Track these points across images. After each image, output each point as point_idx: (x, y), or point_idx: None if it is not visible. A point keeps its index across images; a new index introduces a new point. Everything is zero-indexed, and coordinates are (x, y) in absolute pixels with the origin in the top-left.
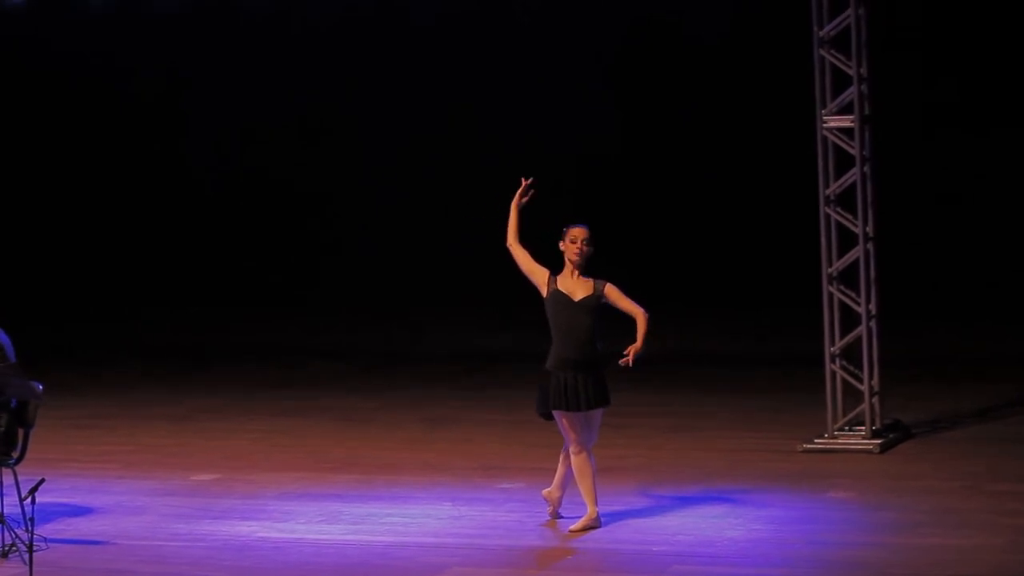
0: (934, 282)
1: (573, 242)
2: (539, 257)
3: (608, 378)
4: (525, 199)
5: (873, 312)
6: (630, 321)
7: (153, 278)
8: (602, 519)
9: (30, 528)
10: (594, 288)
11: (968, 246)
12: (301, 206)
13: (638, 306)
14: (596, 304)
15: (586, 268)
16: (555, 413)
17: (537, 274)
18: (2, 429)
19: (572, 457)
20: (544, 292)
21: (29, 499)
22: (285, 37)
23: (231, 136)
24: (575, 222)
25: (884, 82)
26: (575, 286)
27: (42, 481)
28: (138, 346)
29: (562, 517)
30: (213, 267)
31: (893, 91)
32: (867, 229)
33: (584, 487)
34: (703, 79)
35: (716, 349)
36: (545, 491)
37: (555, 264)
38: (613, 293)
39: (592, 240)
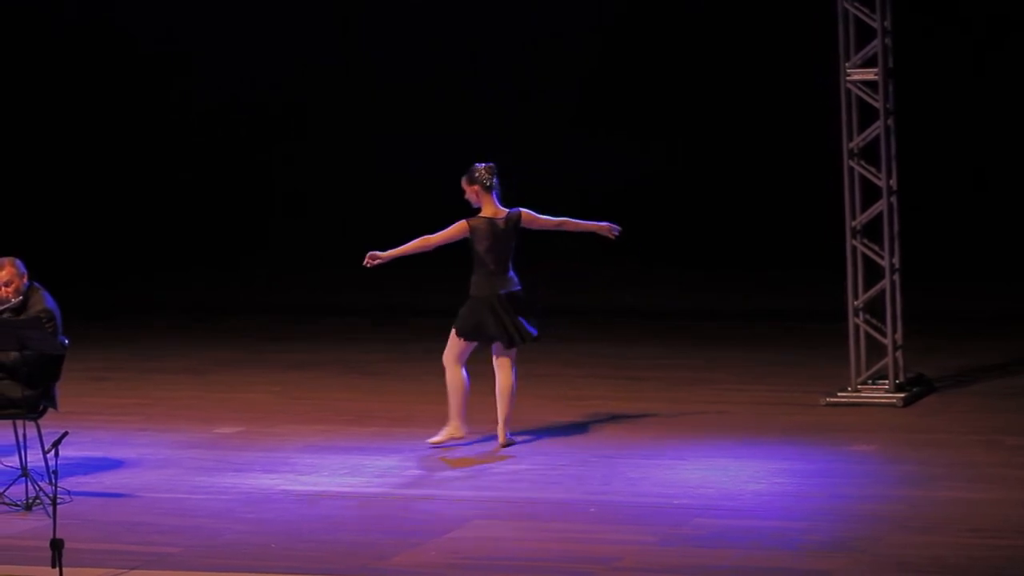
0: (955, 243)
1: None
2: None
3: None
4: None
5: (897, 266)
6: None
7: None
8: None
9: (54, 481)
10: (508, 214)
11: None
12: (300, 206)
13: (556, 217)
14: (516, 227)
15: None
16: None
17: (457, 230)
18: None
19: (450, 370)
20: (469, 233)
21: (52, 452)
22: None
23: (231, 131)
24: (476, 166)
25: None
26: (496, 213)
27: (65, 434)
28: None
29: (513, 443)
30: (213, 265)
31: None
32: (891, 182)
33: (455, 403)
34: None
35: (738, 305)
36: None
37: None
38: (528, 216)
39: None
